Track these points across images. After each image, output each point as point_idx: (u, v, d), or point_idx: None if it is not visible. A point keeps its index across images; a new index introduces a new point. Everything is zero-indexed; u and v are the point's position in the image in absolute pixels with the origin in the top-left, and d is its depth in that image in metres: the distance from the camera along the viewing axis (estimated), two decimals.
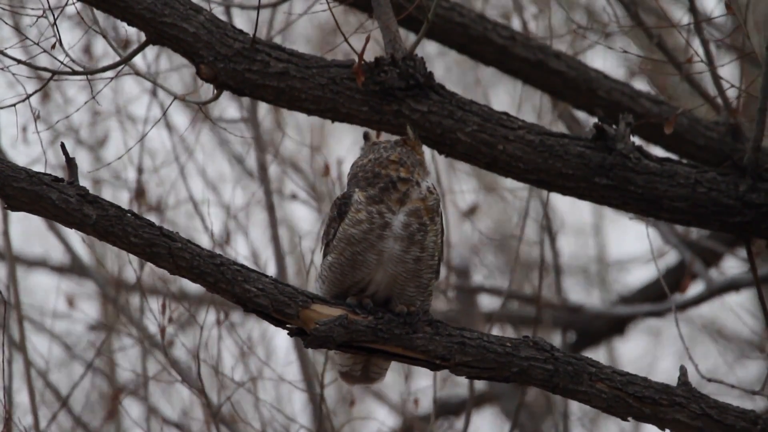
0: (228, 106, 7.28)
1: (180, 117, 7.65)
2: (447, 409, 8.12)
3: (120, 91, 7.31)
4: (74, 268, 7.67)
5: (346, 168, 4.74)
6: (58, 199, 4.35)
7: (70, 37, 5.22)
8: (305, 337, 4.50)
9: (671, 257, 8.00)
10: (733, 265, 7.91)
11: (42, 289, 7.83)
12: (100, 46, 7.25)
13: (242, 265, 4.48)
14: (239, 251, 6.72)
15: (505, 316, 7.82)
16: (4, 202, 4.34)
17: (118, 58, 5.23)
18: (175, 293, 6.78)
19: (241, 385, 6.10)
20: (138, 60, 5.45)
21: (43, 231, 7.35)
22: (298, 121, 7.86)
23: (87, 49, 7.19)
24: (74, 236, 7.29)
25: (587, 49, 6.36)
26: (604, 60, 7.08)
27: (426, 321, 4.54)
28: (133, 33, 5.74)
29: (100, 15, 5.27)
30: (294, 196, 7.26)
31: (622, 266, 9.00)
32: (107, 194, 7.10)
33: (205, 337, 5.88)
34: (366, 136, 4.74)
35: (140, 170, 6.96)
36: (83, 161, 7.38)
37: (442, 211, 4.61)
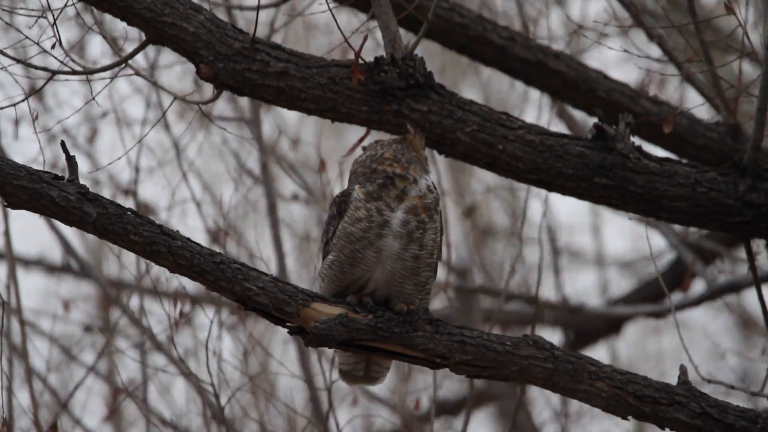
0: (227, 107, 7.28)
1: (177, 118, 7.63)
2: (445, 408, 8.11)
3: (115, 92, 7.30)
4: (71, 268, 7.65)
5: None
6: (59, 196, 4.34)
7: (66, 37, 5.21)
8: (305, 335, 4.50)
9: (670, 256, 7.99)
10: (729, 268, 7.90)
11: (38, 290, 7.82)
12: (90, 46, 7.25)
13: (242, 264, 4.48)
14: (239, 252, 6.71)
15: (503, 316, 7.81)
16: (4, 200, 4.34)
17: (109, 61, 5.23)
18: (175, 292, 6.76)
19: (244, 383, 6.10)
20: (137, 60, 5.45)
21: (38, 231, 7.34)
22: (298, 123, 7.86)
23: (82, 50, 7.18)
24: (73, 237, 7.28)
25: (588, 48, 6.35)
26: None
27: (426, 319, 4.54)
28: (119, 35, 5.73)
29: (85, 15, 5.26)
30: (296, 197, 7.25)
31: (624, 265, 8.99)
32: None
33: (204, 337, 5.87)
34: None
35: (137, 170, 6.95)
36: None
37: (441, 210, 4.61)
